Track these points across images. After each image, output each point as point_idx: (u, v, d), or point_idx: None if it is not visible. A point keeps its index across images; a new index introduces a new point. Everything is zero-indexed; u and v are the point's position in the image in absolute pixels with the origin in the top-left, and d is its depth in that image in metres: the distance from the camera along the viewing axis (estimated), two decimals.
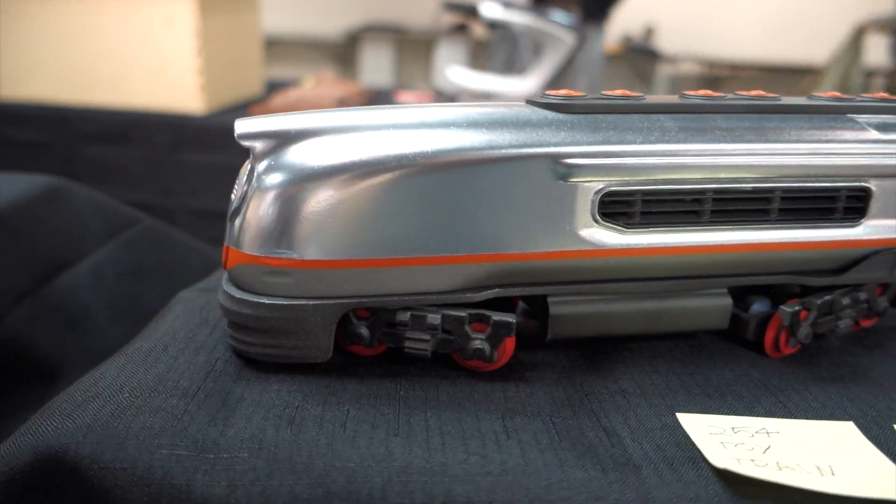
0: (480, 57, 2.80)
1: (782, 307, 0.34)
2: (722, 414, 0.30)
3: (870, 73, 2.81)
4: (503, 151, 0.30)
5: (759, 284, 0.35)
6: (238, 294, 0.31)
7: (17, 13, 1.18)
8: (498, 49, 2.07)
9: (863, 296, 0.37)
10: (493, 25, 1.71)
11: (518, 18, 1.50)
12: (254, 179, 0.30)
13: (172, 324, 0.35)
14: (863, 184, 0.34)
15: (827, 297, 0.35)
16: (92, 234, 0.52)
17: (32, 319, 0.46)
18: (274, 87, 1.53)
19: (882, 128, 0.35)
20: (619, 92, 0.34)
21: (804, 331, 0.35)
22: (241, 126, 0.31)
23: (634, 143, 0.31)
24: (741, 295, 0.37)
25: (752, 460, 0.26)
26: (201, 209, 1.24)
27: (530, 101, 0.33)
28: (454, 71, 1.52)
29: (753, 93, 0.35)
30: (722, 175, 0.32)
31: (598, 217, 0.32)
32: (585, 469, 0.26)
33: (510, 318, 0.32)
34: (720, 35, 3.57)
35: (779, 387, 0.33)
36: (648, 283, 0.34)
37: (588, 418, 0.29)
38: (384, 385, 0.31)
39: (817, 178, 0.33)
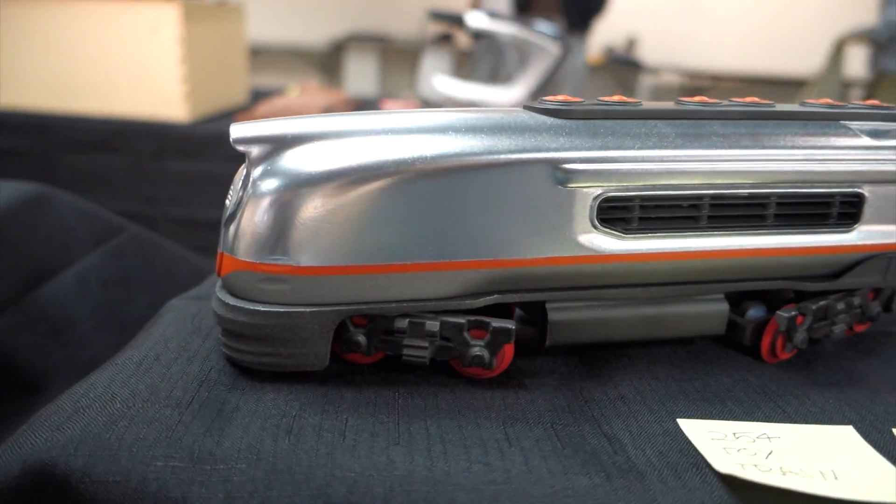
0: (465, 67, 2.81)
1: (779, 312, 0.34)
2: (722, 419, 0.30)
3: (846, 84, 2.86)
4: (502, 156, 0.30)
5: (755, 290, 0.35)
6: (233, 301, 0.30)
7: None
8: (483, 59, 2.08)
9: (856, 301, 0.37)
10: (479, 35, 1.72)
11: (504, 28, 1.51)
12: (249, 185, 0.30)
13: (164, 332, 0.34)
14: (856, 189, 0.34)
15: (822, 303, 0.35)
16: (77, 242, 0.51)
17: (16, 329, 0.45)
18: (259, 95, 1.52)
19: (874, 134, 0.35)
20: (615, 98, 0.34)
21: (800, 336, 0.35)
22: (237, 131, 0.30)
23: (633, 148, 0.31)
24: (737, 301, 0.37)
25: (756, 465, 0.26)
26: (185, 218, 1.23)
27: (528, 107, 0.33)
28: (440, 80, 1.52)
29: (748, 99, 0.35)
30: (719, 181, 0.32)
31: (596, 223, 0.31)
32: (590, 476, 0.25)
33: (509, 324, 0.31)
34: (701, 46, 3.62)
35: (777, 392, 0.33)
36: (647, 288, 0.34)
37: (589, 425, 0.29)
38: (382, 393, 0.31)
39: (812, 183, 0.34)
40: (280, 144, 0.30)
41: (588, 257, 0.32)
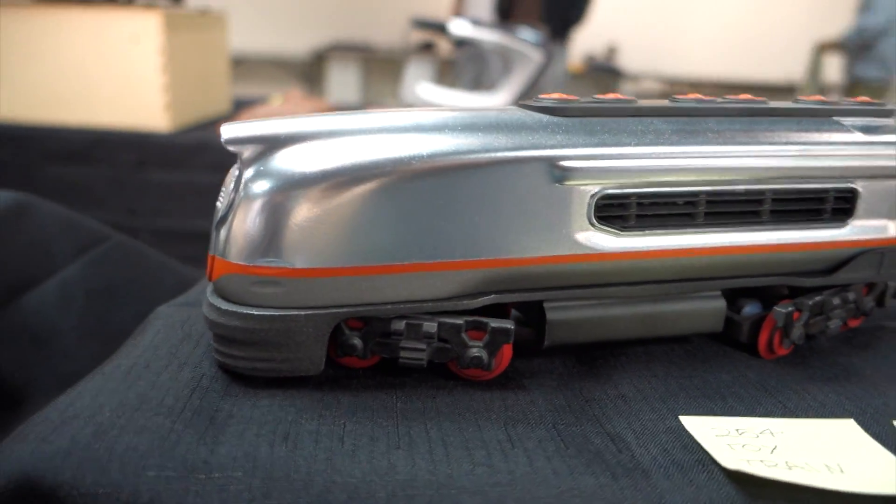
0: (448, 75, 2.82)
1: (776, 308, 0.34)
2: (724, 416, 0.30)
3: (821, 90, 2.92)
4: (499, 154, 0.30)
5: (751, 286, 0.35)
6: (225, 306, 0.30)
7: None
8: (465, 67, 2.09)
9: (851, 296, 0.37)
10: (461, 43, 1.72)
11: (487, 36, 1.52)
12: (241, 186, 0.29)
13: (153, 340, 0.33)
14: (850, 185, 0.34)
15: (818, 298, 0.35)
16: (59, 252, 0.50)
17: None
18: (241, 104, 1.51)
19: (866, 130, 0.35)
20: (611, 95, 0.34)
21: (797, 331, 0.35)
22: (228, 131, 0.30)
23: (629, 145, 0.31)
24: (732, 298, 0.37)
25: (762, 461, 0.26)
26: (167, 229, 1.22)
27: (523, 105, 0.33)
28: (423, 88, 1.52)
29: (742, 96, 0.35)
30: (715, 177, 0.32)
31: (594, 220, 0.31)
32: (595, 476, 0.25)
33: (508, 324, 0.31)
34: (680, 54, 3.66)
35: (777, 387, 0.33)
36: (644, 286, 0.33)
37: (591, 424, 0.29)
38: (380, 397, 0.30)
39: (807, 179, 0.34)
40: (272, 144, 0.29)
41: (586, 255, 0.31)
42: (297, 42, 3.56)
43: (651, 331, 0.34)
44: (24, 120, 1.17)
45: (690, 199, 0.32)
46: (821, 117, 0.35)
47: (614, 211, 0.32)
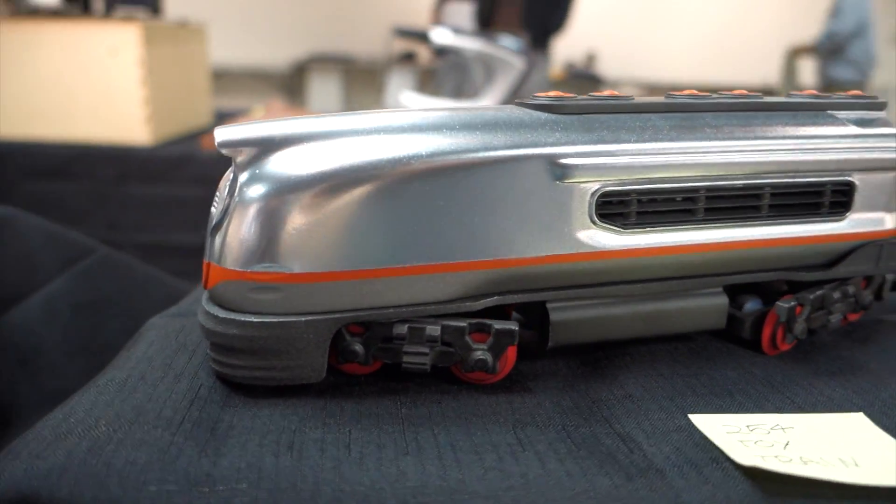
0: (429, 84, 2.82)
1: (778, 303, 0.34)
2: (733, 413, 0.30)
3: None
4: (499, 153, 0.29)
5: (752, 282, 0.35)
6: (222, 314, 0.29)
7: None
8: (447, 75, 2.09)
9: (851, 290, 0.37)
10: (443, 51, 1.73)
11: (468, 44, 1.52)
12: (236, 190, 0.29)
13: (147, 351, 0.32)
14: (847, 178, 0.34)
15: (819, 292, 0.35)
16: (43, 266, 0.49)
17: None
18: (223, 116, 1.50)
19: (860, 123, 0.35)
20: (607, 92, 0.33)
21: (800, 326, 0.35)
22: (222, 134, 0.29)
23: (629, 141, 0.31)
24: (732, 295, 0.37)
25: (776, 457, 0.25)
26: (150, 243, 1.20)
27: (520, 103, 0.33)
28: (407, 96, 1.52)
29: (736, 92, 0.35)
30: (715, 172, 0.32)
31: (595, 218, 0.31)
32: (609, 476, 0.24)
33: (512, 325, 0.30)
34: (658, 60, 3.71)
35: (783, 383, 0.32)
36: (647, 284, 0.33)
37: (601, 425, 0.28)
38: (383, 403, 0.29)
39: (805, 173, 0.34)
40: (268, 147, 0.29)
41: (588, 254, 0.31)
42: (278, 54, 3.55)
43: (654, 329, 0.34)
44: (1, 136, 1.15)
45: (690, 195, 0.32)
46: (815, 111, 0.35)
47: (615, 208, 0.31)
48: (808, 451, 0.26)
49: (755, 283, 0.36)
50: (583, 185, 0.30)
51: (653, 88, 3.63)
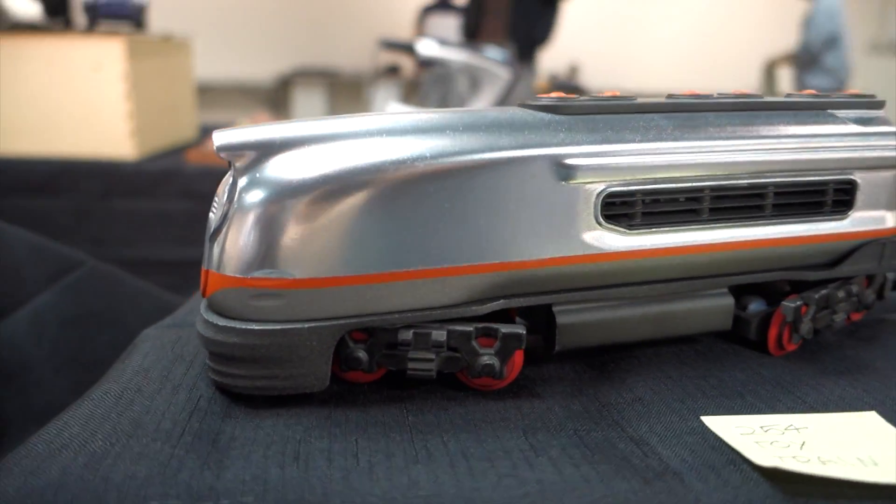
0: (413, 96, 2.83)
1: (784, 303, 0.34)
2: (745, 414, 0.29)
3: None
4: (504, 154, 0.29)
5: (757, 282, 0.35)
6: (222, 322, 0.28)
7: None
8: (432, 88, 2.10)
9: (854, 289, 0.37)
10: (428, 63, 1.73)
11: (454, 55, 1.52)
12: (236, 195, 0.28)
13: (142, 363, 0.31)
14: (849, 176, 0.34)
15: (823, 292, 0.35)
16: (30, 279, 0.47)
17: None
18: (208, 130, 1.49)
19: (860, 122, 0.35)
20: (609, 93, 0.33)
21: (806, 326, 0.34)
22: (220, 137, 0.28)
23: (633, 141, 0.31)
24: (735, 296, 0.36)
25: (794, 457, 0.25)
26: (136, 259, 1.18)
27: (523, 105, 0.32)
28: (393, 108, 1.52)
29: (736, 91, 0.35)
30: (719, 172, 0.32)
31: (601, 219, 0.30)
32: (627, 481, 0.24)
33: (520, 328, 0.30)
34: (639, 71, 3.75)
35: (793, 383, 0.32)
36: (652, 286, 0.33)
37: (613, 429, 0.28)
38: (389, 411, 0.28)
39: (808, 171, 0.33)
40: (267, 150, 0.28)
41: (594, 255, 0.31)
42: (262, 68, 3.55)
43: (661, 331, 0.34)
44: None
45: (695, 195, 0.32)
46: (816, 110, 0.35)
47: (620, 209, 0.31)
48: (825, 451, 0.26)
49: (758, 284, 0.36)
50: (588, 185, 0.30)
51: None
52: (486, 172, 0.28)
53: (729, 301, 0.34)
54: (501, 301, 0.30)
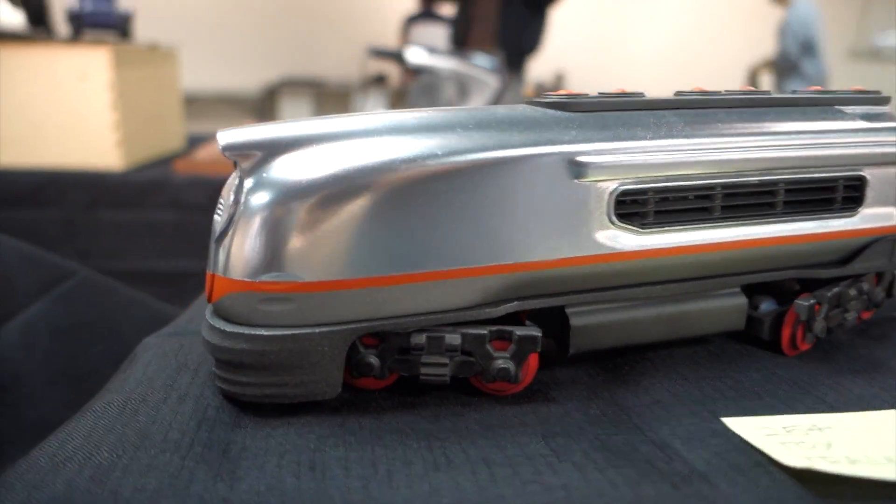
0: (400, 105, 2.83)
1: (798, 301, 0.33)
2: (766, 415, 0.29)
3: None
4: (516, 151, 0.28)
5: (762, 284, 0.35)
6: (230, 328, 0.27)
7: None
8: (420, 96, 2.09)
9: (865, 286, 0.37)
10: (417, 71, 1.73)
11: (443, 63, 1.52)
12: (242, 196, 0.27)
13: (145, 372, 0.30)
14: (858, 172, 0.34)
15: (835, 290, 0.35)
16: (21, 290, 0.46)
17: None
18: (196, 141, 1.47)
19: (868, 117, 0.35)
20: (617, 90, 0.33)
21: (819, 324, 0.34)
22: (226, 137, 0.27)
23: (645, 138, 0.30)
24: (746, 296, 0.36)
25: (823, 458, 0.24)
26: (124, 270, 1.16)
27: (531, 102, 0.32)
28: None
29: (744, 88, 0.35)
30: (731, 169, 0.31)
31: (614, 218, 0.30)
32: (654, 485, 0.23)
33: (535, 331, 0.29)
34: (624, 78, 3.77)
35: (810, 383, 0.31)
36: (665, 286, 0.32)
37: (633, 433, 0.27)
38: (404, 418, 0.28)
39: (817, 168, 0.33)
40: (274, 150, 0.27)
41: (608, 255, 0.30)
42: (248, 78, 3.53)
43: (675, 332, 0.33)
44: None
45: (707, 193, 0.31)
46: (823, 106, 0.35)
47: (633, 208, 0.30)
48: (852, 451, 0.25)
49: (767, 284, 0.35)
50: (601, 183, 0.29)
51: None
52: (499, 171, 0.28)
53: (742, 301, 0.34)
54: (515, 303, 0.30)
